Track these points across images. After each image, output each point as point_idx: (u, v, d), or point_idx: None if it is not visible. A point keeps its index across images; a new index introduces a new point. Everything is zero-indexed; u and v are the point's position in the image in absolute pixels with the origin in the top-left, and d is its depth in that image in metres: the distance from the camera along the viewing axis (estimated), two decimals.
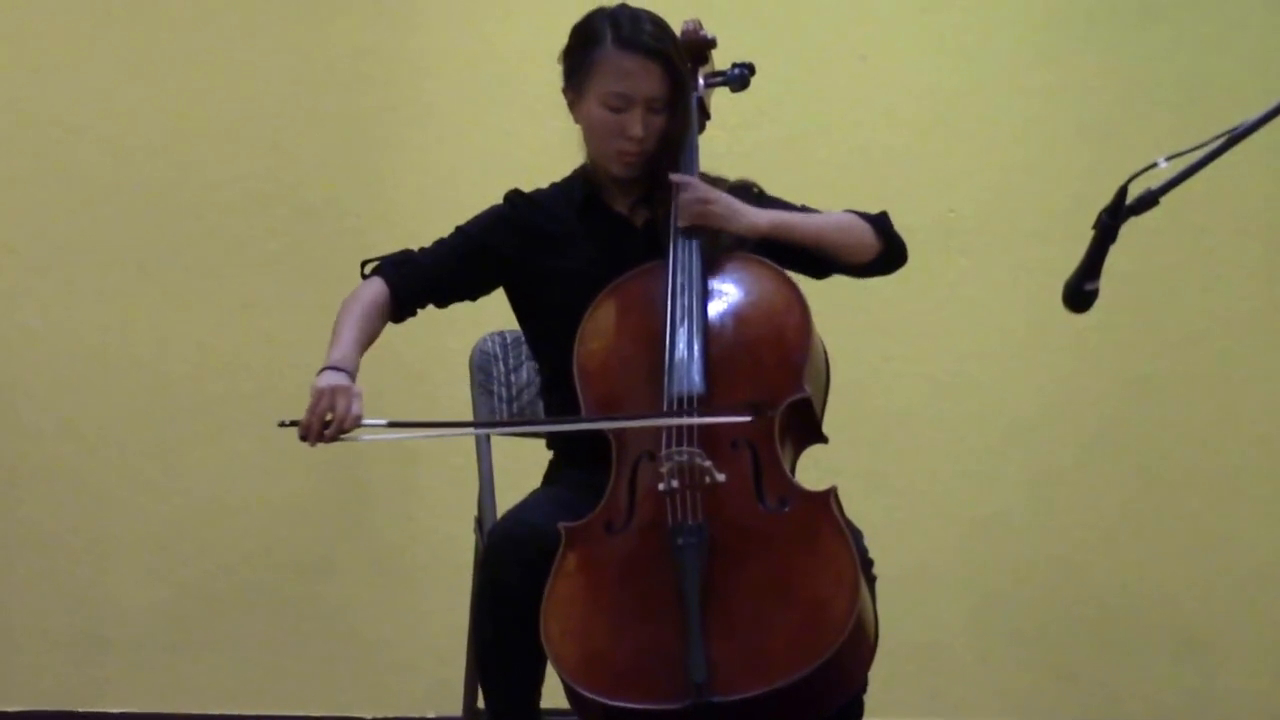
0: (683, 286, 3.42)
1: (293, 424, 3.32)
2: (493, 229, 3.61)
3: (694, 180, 3.51)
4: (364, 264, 3.57)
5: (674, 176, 3.52)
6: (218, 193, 4.98)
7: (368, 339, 3.46)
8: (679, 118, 3.54)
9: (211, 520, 4.98)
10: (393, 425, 3.38)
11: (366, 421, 3.31)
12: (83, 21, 4.99)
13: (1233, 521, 5.00)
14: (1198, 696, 4.99)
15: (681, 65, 3.54)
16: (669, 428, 3.27)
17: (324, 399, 3.30)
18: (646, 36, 3.51)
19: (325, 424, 3.30)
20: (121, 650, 4.97)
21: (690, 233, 3.48)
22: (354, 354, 3.41)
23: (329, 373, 3.35)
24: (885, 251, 3.58)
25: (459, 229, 3.63)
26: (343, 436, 3.30)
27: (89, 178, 4.99)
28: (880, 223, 3.59)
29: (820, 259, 3.54)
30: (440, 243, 3.62)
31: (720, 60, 3.72)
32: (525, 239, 3.60)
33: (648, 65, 3.50)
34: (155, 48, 4.99)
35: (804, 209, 3.62)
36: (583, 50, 3.55)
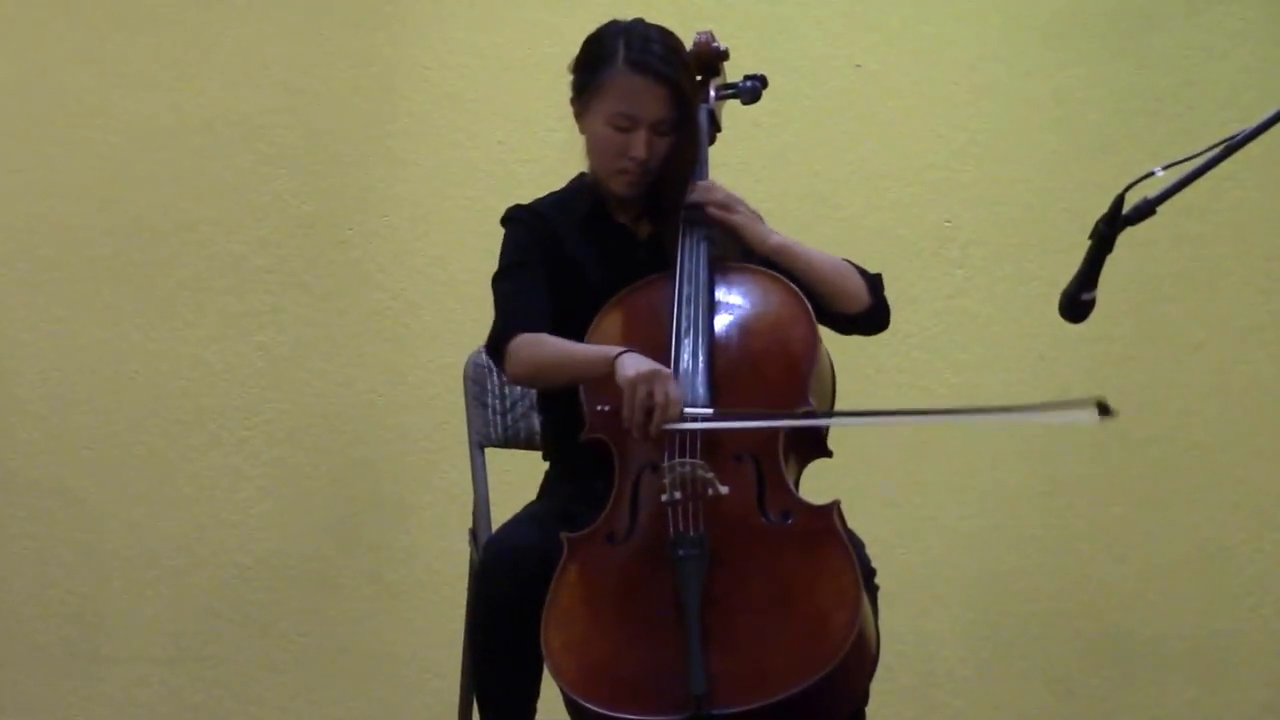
0: (689, 298, 3.42)
1: (603, 409, 3.23)
2: (532, 249, 3.56)
3: (719, 186, 3.53)
4: (490, 343, 3.49)
5: (701, 184, 3.52)
6: (210, 205, 4.98)
7: None
8: (684, 141, 3.54)
9: (206, 535, 4.97)
10: (718, 416, 3.24)
11: (690, 410, 3.22)
12: (76, 34, 4.98)
13: (1233, 533, 5.00)
14: (1197, 709, 4.98)
15: (690, 89, 3.54)
16: (671, 439, 3.25)
17: (640, 386, 3.20)
18: (657, 59, 3.50)
19: (647, 414, 3.20)
20: (113, 665, 4.96)
21: (699, 227, 3.48)
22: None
23: (628, 357, 3.25)
24: (872, 310, 3.56)
25: (513, 265, 3.55)
26: (666, 426, 3.20)
27: (82, 191, 4.98)
28: (874, 282, 3.58)
29: (811, 297, 3.51)
30: (522, 282, 3.52)
31: (731, 72, 3.71)
32: (542, 251, 3.58)
33: (655, 89, 3.49)
34: (149, 61, 4.99)
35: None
36: (593, 66, 3.54)
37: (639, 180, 3.54)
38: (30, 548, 4.98)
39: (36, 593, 4.97)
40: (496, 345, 3.47)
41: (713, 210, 3.51)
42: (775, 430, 3.29)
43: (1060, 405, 3.18)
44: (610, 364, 3.27)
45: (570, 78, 3.59)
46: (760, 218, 3.56)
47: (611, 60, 3.51)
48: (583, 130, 3.58)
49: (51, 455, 4.98)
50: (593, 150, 3.57)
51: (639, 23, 3.57)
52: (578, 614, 3.23)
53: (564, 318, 3.50)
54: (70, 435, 4.98)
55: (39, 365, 4.98)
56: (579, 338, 3.44)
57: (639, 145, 3.50)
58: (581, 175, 3.66)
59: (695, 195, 3.52)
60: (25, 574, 4.97)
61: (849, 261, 3.57)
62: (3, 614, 4.97)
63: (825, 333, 3.45)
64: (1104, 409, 3.03)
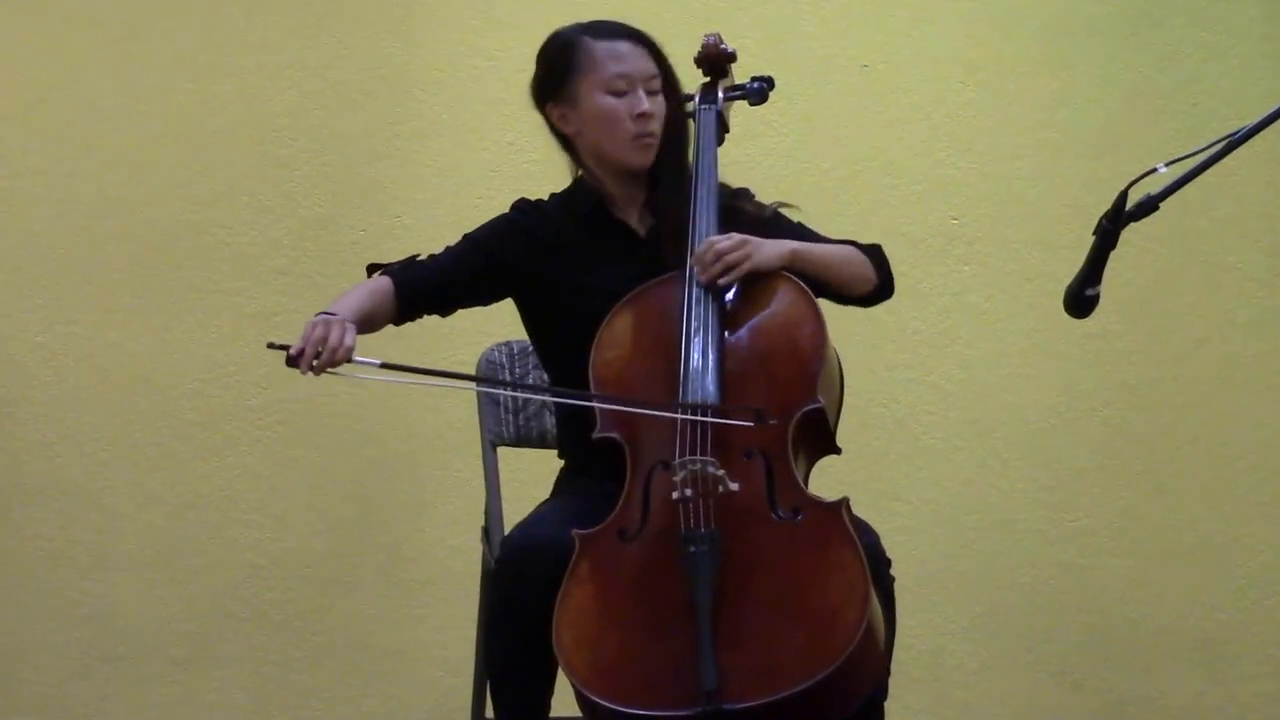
0: (699, 297, 3.42)
1: (283, 347, 3.29)
2: (501, 238, 3.61)
3: (715, 243, 3.44)
4: (369, 267, 3.57)
5: (699, 255, 3.44)
6: (223, 207, 4.99)
7: (368, 311, 3.44)
8: (672, 107, 3.57)
9: (218, 534, 4.97)
10: (385, 366, 3.29)
11: (358, 359, 3.27)
12: (86, 38, 5.00)
13: (1236, 526, 5.02)
14: (1202, 701, 5.00)
15: (660, 47, 3.58)
16: (683, 437, 3.28)
17: (318, 328, 3.28)
18: (620, 26, 3.57)
19: (317, 353, 3.28)
20: (128, 665, 4.97)
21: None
22: (351, 311, 3.38)
23: (323, 315, 3.34)
24: (880, 286, 3.60)
25: (467, 237, 3.63)
26: (332, 369, 3.27)
27: (94, 192, 4.99)
28: (876, 256, 3.60)
29: (822, 289, 3.53)
30: (448, 250, 3.61)
31: (739, 74, 3.74)
32: (534, 249, 3.60)
33: (636, 48, 3.55)
34: (160, 64, 5.00)
35: (800, 225, 3.65)
36: (563, 57, 3.57)
37: (655, 143, 3.55)
38: (44, 548, 4.98)
39: (50, 593, 4.97)
40: (378, 269, 3.55)
41: (724, 278, 3.43)
42: (784, 428, 3.31)
43: (730, 414, 3.30)
44: None
45: (535, 94, 3.61)
46: (756, 240, 3.48)
47: (579, 43, 3.55)
48: (577, 121, 3.59)
49: (65, 456, 4.98)
50: (598, 129, 3.56)
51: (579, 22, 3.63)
52: (589, 610, 3.24)
53: (569, 316, 3.53)
54: (84, 436, 4.99)
55: (53, 367, 4.98)
56: (584, 335, 3.46)
57: (642, 101, 3.52)
58: (579, 178, 3.67)
59: (703, 271, 3.43)
60: (39, 574, 4.98)
61: (850, 242, 3.60)
62: (17, 614, 4.97)
63: (834, 327, 3.47)
64: (759, 416, 3.25)
